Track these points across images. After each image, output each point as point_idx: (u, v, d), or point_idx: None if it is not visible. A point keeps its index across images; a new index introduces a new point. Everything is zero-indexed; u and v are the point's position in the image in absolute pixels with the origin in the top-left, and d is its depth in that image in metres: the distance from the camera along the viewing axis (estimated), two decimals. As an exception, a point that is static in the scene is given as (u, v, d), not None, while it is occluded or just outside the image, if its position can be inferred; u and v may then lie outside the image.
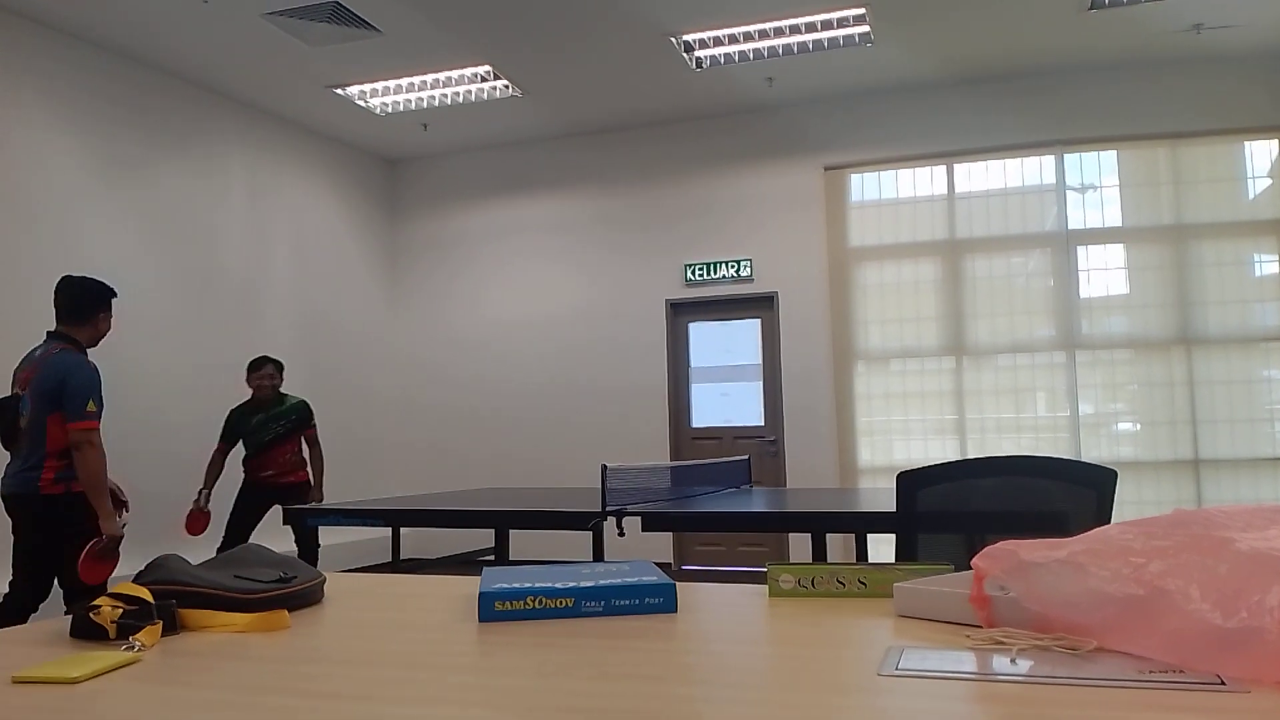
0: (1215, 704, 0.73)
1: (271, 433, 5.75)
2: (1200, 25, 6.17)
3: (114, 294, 4.01)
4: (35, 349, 3.88)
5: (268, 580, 1.25)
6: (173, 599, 1.15)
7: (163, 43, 6.14)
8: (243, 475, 5.81)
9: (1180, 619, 0.82)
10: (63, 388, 3.71)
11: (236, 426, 5.79)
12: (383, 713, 0.79)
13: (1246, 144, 6.74)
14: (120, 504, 3.96)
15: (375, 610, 1.28)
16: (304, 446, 5.90)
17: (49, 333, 3.90)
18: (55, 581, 3.83)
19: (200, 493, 5.69)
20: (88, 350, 3.91)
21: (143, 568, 1.23)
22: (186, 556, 1.29)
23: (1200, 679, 0.79)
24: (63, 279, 3.94)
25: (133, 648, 1.02)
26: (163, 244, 6.51)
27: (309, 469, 5.90)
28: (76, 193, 5.93)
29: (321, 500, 5.95)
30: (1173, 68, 6.77)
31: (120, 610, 1.10)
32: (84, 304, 3.89)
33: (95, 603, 1.11)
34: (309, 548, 5.66)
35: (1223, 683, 0.78)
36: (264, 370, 5.77)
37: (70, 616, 1.14)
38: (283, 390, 5.89)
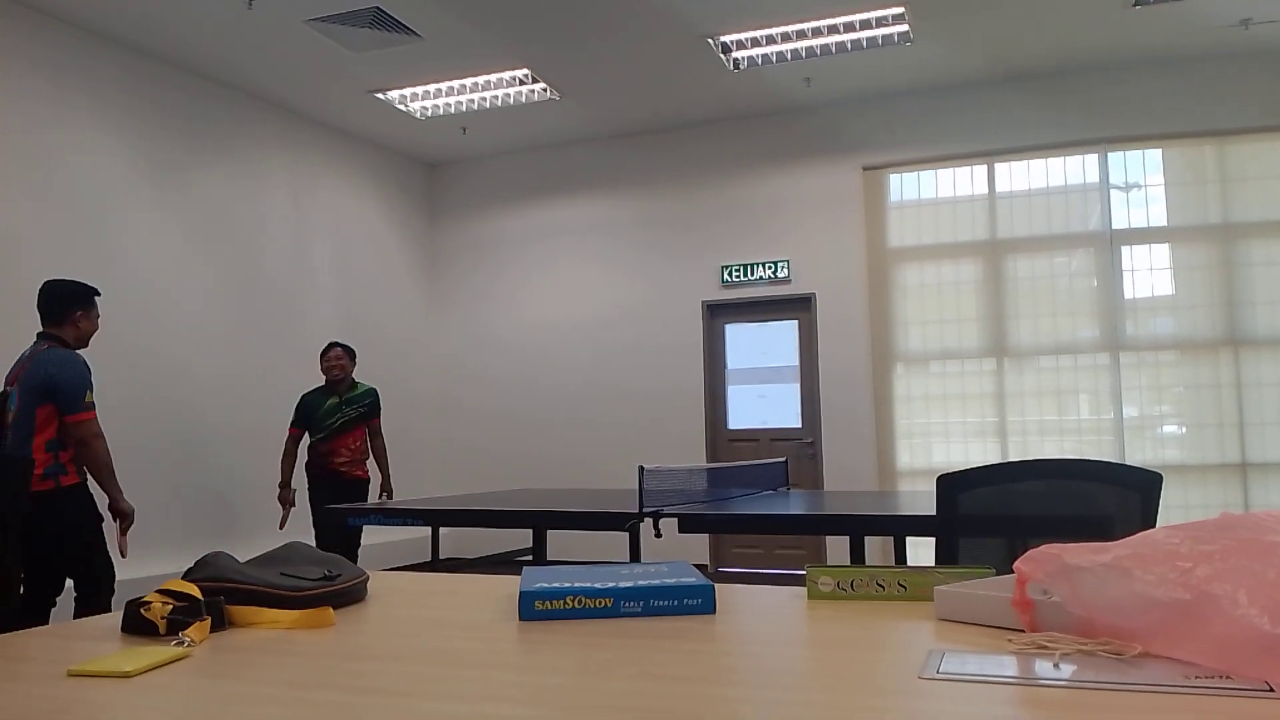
0: (1263, 711, 0.72)
1: (344, 416, 5.78)
2: (1249, 20, 6.05)
3: (94, 293, 4.07)
4: (26, 350, 3.98)
5: (313, 578, 1.27)
6: (221, 596, 1.18)
7: (206, 48, 6.24)
8: (310, 470, 5.80)
9: (1228, 624, 0.81)
10: (54, 382, 3.79)
11: (310, 410, 5.81)
12: (428, 709, 0.80)
13: (1297, 141, 6.60)
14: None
15: (417, 608, 1.29)
16: (366, 437, 5.93)
17: (38, 334, 3.99)
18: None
19: (281, 487, 5.76)
20: (77, 349, 4.00)
21: (191, 565, 1.26)
22: (240, 551, 1.31)
23: (1248, 685, 0.78)
24: (42, 284, 4.05)
25: (182, 643, 1.05)
26: (206, 246, 6.62)
27: (367, 465, 5.94)
28: (122, 196, 6.05)
29: (393, 494, 6.01)
30: (1220, 63, 6.65)
31: (170, 606, 1.13)
32: (56, 306, 3.97)
33: (146, 599, 1.14)
34: (350, 547, 5.73)
35: (1270, 689, 0.76)
36: (332, 353, 5.83)
37: (121, 612, 1.16)
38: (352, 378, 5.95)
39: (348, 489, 5.79)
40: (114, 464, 4.01)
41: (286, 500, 5.76)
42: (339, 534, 5.71)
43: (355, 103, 7.29)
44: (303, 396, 5.91)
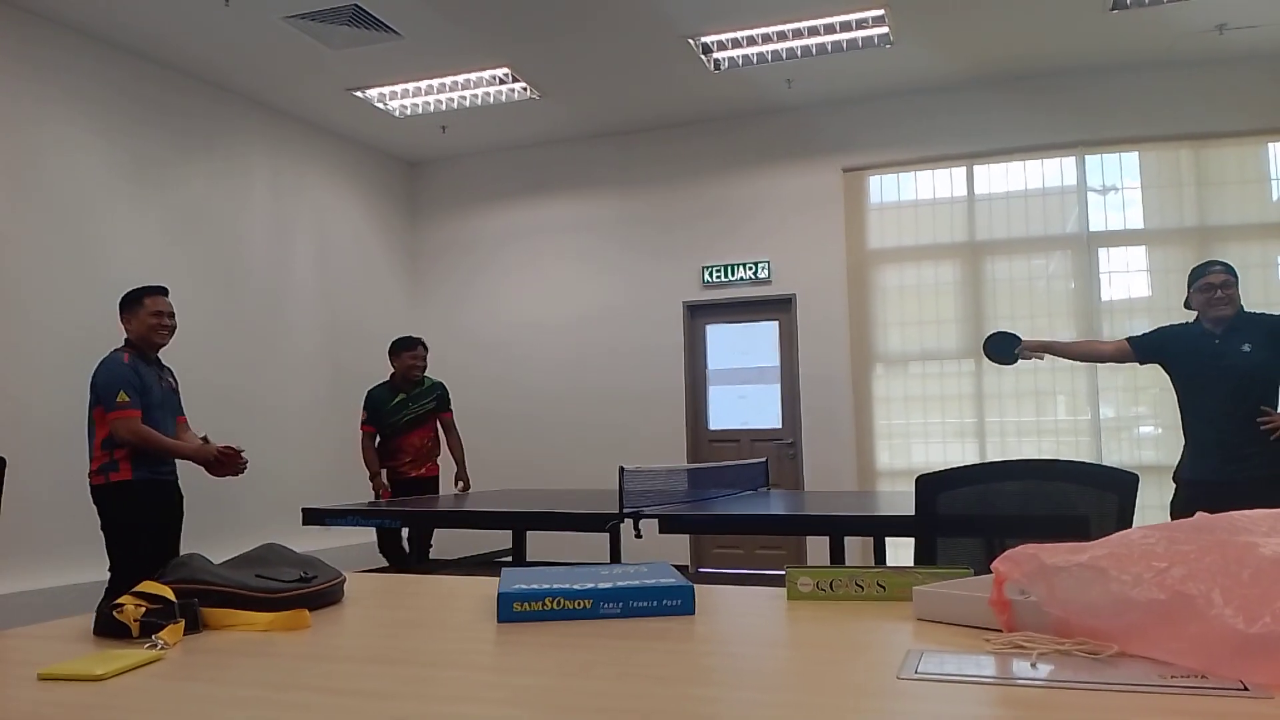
0: (1237, 709, 0.73)
1: (411, 413, 5.54)
2: (1224, 26, 6.11)
3: (139, 294, 4.20)
4: None
5: (289, 580, 1.26)
6: (195, 598, 1.16)
7: (186, 46, 6.19)
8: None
9: (1203, 624, 0.82)
10: (94, 385, 4.07)
11: (378, 406, 5.52)
12: (405, 710, 0.79)
13: (1271, 145, 6.66)
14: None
15: (395, 610, 1.29)
16: (439, 432, 5.70)
17: None
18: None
19: (373, 478, 5.48)
20: (149, 350, 4.18)
21: (165, 567, 1.24)
22: (216, 554, 1.30)
23: (1222, 684, 0.78)
24: None
25: (156, 646, 1.04)
26: (187, 244, 6.56)
27: (438, 461, 5.71)
28: (103, 193, 5.98)
29: (469, 489, 5.70)
30: (1196, 68, 6.71)
31: (144, 609, 1.11)
32: (119, 312, 4.24)
33: (119, 601, 1.13)
34: (423, 546, 5.38)
35: (1245, 688, 0.77)
36: (417, 350, 5.59)
37: (94, 614, 1.15)
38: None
39: (410, 490, 5.53)
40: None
41: (381, 489, 5.49)
42: (418, 538, 5.38)
43: (334, 101, 7.25)
44: (370, 392, 5.61)
